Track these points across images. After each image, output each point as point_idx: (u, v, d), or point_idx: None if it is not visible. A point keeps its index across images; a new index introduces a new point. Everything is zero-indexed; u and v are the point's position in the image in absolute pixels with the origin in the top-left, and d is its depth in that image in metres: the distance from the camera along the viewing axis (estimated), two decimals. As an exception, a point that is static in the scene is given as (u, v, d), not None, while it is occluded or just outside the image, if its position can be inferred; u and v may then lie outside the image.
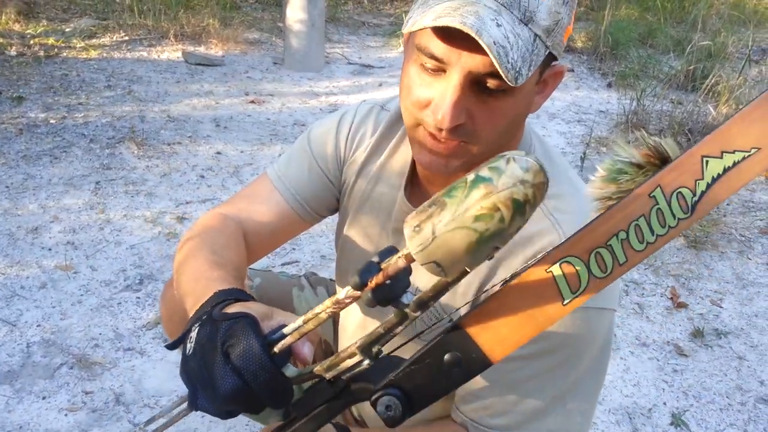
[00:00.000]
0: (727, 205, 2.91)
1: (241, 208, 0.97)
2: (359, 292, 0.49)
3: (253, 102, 3.55)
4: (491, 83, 0.67)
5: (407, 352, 0.58)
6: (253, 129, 3.23)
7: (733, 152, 0.45)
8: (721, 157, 0.46)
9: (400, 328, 0.52)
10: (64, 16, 4.42)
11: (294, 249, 2.30)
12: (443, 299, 0.83)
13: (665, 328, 2.10)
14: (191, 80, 3.72)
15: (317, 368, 0.57)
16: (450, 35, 0.65)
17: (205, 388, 0.58)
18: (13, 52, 3.68)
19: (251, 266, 1.06)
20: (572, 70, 4.62)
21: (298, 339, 0.57)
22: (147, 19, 4.27)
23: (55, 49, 3.82)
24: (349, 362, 0.56)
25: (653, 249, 0.48)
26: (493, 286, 0.55)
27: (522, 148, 0.84)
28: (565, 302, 0.49)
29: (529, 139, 0.85)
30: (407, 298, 0.49)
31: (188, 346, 0.61)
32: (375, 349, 0.55)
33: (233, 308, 0.63)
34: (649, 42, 5.18)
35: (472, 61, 0.65)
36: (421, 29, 0.66)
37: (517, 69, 0.64)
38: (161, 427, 0.67)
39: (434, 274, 0.44)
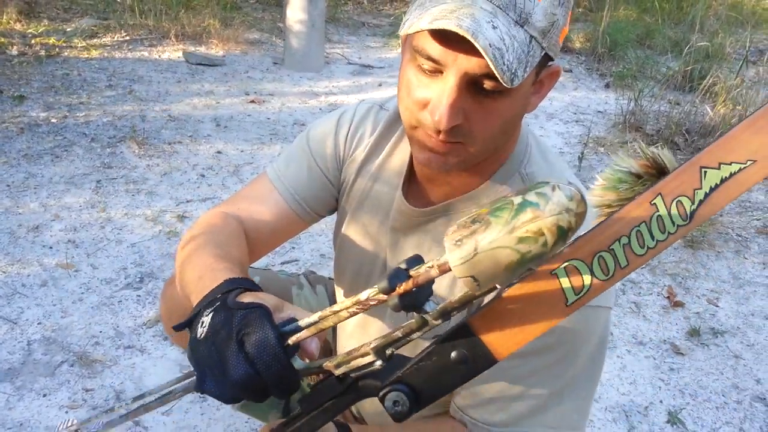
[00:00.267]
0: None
1: (241, 207, 0.98)
2: (386, 296, 0.50)
3: (253, 102, 3.56)
4: (487, 84, 0.68)
5: (406, 351, 0.60)
6: (253, 128, 3.24)
7: (730, 164, 0.48)
8: (719, 168, 0.48)
9: (418, 334, 0.53)
10: (65, 15, 4.43)
11: (293, 248, 2.31)
12: (439, 300, 0.85)
13: (662, 326, 2.11)
14: (192, 80, 3.74)
15: (327, 364, 0.59)
16: (446, 37, 0.66)
17: (214, 372, 0.59)
18: (14, 51, 3.69)
19: (251, 265, 1.07)
20: (570, 71, 4.63)
21: (315, 334, 0.58)
22: (148, 19, 4.28)
23: (57, 49, 3.83)
24: (361, 361, 0.57)
25: (653, 253, 0.50)
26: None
27: (519, 148, 0.85)
28: (569, 303, 0.51)
29: (525, 139, 0.86)
30: (429, 306, 0.51)
31: (199, 330, 0.62)
32: (389, 352, 0.56)
33: (247, 298, 0.64)
34: (647, 43, 5.19)
35: (468, 63, 0.66)
36: (418, 31, 0.68)
37: (513, 70, 0.65)
38: (156, 402, 0.68)
39: (468, 288, 0.46)
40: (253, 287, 0.69)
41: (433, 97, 0.70)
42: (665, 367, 1.93)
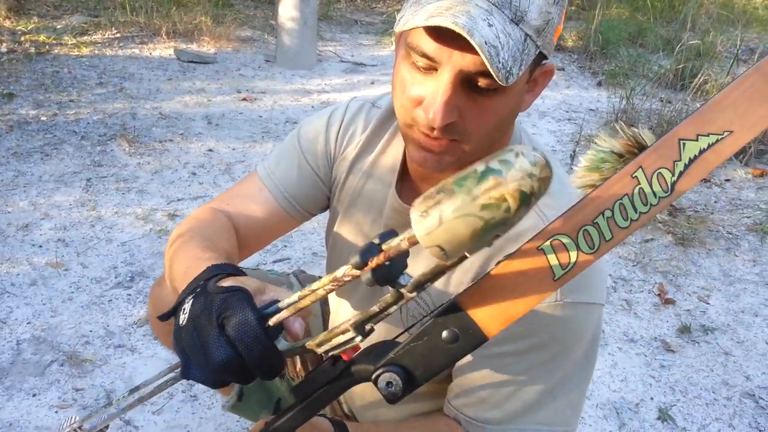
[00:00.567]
0: (715, 202, 2.95)
1: (231, 204, 0.98)
2: (359, 271, 0.50)
3: (245, 99, 3.55)
4: (482, 82, 0.68)
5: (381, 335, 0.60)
6: (244, 126, 3.23)
7: (708, 135, 0.50)
8: (697, 140, 0.50)
9: (395, 307, 0.54)
10: (55, 12, 4.39)
11: (285, 246, 2.31)
12: (434, 294, 0.85)
13: (653, 324, 2.12)
14: (183, 78, 3.72)
15: (309, 343, 0.59)
16: (442, 34, 0.66)
17: (197, 358, 0.59)
18: (3, 48, 3.66)
19: (240, 265, 1.06)
20: (563, 69, 4.64)
21: (293, 314, 0.58)
22: (139, 17, 4.26)
23: (46, 46, 3.80)
24: (342, 338, 0.57)
25: (637, 226, 0.51)
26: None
27: (512, 146, 0.85)
28: (556, 278, 0.52)
29: (519, 136, 0.86)
30: (404, 279, 0.52)
31: (181, 317, 0.62)
32: (368, 327, 0.56)
33: (227, 282, 0.64)
34: (639, 41, 5.21)
35: (463, 61, 0.66)
36: (413, 28, 0.67)
37: (508, 68, 0.65)
38: (148, 393, 0.68)
39: (437, 257, 0.46)
40: (236, 272, 0.69)
41: (427, 94, 0.70)
42: (656, 364, 1.94)
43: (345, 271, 0.52)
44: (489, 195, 0.43)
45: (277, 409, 1.11)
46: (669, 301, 2.23)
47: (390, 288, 0.52)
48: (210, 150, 2.94)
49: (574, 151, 3.16)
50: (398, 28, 0.70)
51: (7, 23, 4.05)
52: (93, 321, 1.84)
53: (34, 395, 1.59)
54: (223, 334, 0.57)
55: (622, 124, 0.57)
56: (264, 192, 0.98)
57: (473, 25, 0.63)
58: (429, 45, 0.67)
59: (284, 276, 1.26)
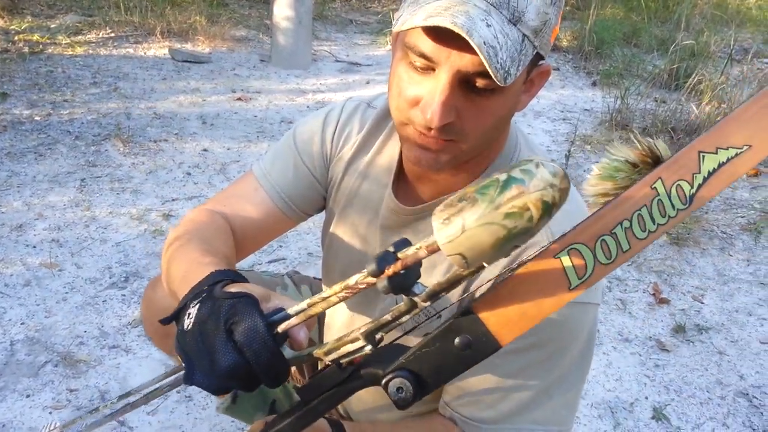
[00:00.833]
0: (709, 202, 2.96)
1: (227, 205, 0.97)
2: (374, 279, 0.50)
3: (239, 99, 3.54)
4: (480, 82, 0.68)
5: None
6: (239, 126, 3.22)
7: (727, 149, 0.50)
8: (716, 153, 0.50)
9: (408, 317, 0.53)
10: (49, 12, 4.37)
11: (281, 246, 2.30)
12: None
13: (647, 323, 2.13)
14: (178, 77, 3.71)
15: (317, 351, 0.58)
16: (440, 34, 0.66)
17: (202, 363, 0.59)
18: (-4, 48, 3.65)
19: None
20: (558, 69, 4.65)
21: (303, 321, 0.58)
22: (133, 16, 4.24)
23: (40, 46, 3.78)
24: (351, 347, 0.57)
25: (654, 237, 0.51)
26: (499, 275, 0.57)
27: (508, 146, 0.85)
28: (572, 287, 0.52)
29: (515, 137, 0.86)
30: (418, 288, 0.51)
31: (186, 321, 0.62)
32: (378, 336, 0.56)
33: (233, 288, 0.64)
34: (633, 41, 5.22)
35: (461, 61, 0.66)
36: (411, 28, 0.67)
37: (506, 69, 0.65)
38: (142, 398, 0.67)
39: (457, 265, 0.46)
40: (239, 279, 0.69)
41: (425, 94, 0.70)
42: (650, 363, 1.95)
43: (359, 278, 0.52)
44: (512, 204, 0.43)
45: (272, 411, 1.11)
46: (663, 301, 2.24)
47: (404, 297, 0.52)
48: (205, 150, 2.93)
49: (569, 151, 3.17)
50: (396, 28, 0.69)
51: (1, 22, 4.03)
52: (87, 321, 1.83)
53: (28, 396, 1.58)
54: (231, 340, 0.57)
55: (637, 134, 0.57)
56: (260, 192, 0.97)
57: (472, 25, 0.63)
58: (427, 45, 0.67)
59: (278, 277, 1.25)
